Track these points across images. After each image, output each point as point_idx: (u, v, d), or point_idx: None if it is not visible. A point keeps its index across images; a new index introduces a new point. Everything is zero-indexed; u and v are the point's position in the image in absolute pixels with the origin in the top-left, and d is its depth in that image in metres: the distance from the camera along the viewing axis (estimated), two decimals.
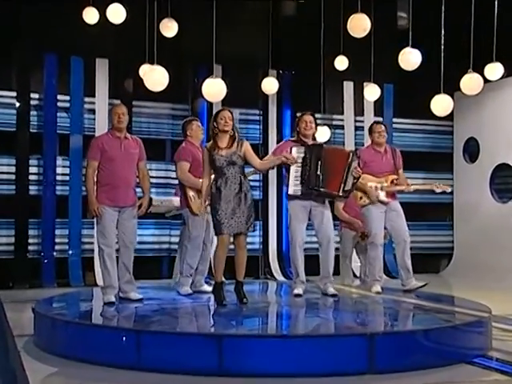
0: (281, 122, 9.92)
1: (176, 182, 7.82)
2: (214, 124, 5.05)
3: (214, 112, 8.54)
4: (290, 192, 5.48)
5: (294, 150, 5.47)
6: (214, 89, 6.57)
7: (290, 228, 5.60)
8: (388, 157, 6.04)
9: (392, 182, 5.95)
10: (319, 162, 5.37)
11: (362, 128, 10.21)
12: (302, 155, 5.41)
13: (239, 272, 5.12)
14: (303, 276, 5.64)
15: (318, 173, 5.37)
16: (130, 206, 5.27)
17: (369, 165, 5.93)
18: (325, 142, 5.69)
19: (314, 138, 5.66)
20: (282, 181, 9.70)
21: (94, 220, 5.33)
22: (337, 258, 6.27)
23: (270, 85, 8.51)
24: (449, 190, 6.18)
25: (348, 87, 10.22)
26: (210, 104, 8.88)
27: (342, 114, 10.22)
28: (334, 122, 10.18)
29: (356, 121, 10.30)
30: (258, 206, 9.71)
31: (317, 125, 5.68)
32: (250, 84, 9.20)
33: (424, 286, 6.02)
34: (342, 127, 10.19)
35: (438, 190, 6.07)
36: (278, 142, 9.77)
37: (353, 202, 6.18)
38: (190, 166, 5.68)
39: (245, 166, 5.17)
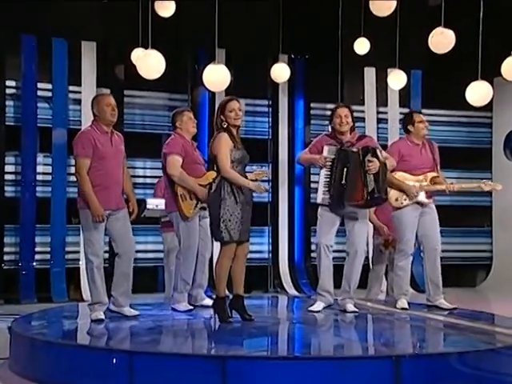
0: (292, 114, 9.94)
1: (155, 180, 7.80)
2: (222, 117, 5.02)
3: (216, 103, 8.57)
4: (319, 201, 5.59)
5: (326, 149, 5.54)
6: (217, 76, 6.59)
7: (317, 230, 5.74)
8: (427, 151, 5.96)
9: (432, 180, 5.88)
10: (345, 169, 5.41)
11: (386, 120, 10.21)
12: (333, 157, 5.48)
13: (240, 284, 5.10)
14: (325, 285, 5.66)
15: (343, 182, 5.40)
16: (121, 208, 5.28)
17: (406, 159, 5.86)
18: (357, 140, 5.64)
19: (353, 129, 5.66)
20: (293, 182, 9.73)
21: (80, 227, 5.32)
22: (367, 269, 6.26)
23: (280, 71, 8.51)
24: (499, 187, 5.94)
25: (369, 74, 10.21)
26: (212, 94, 8.89)
27: (363, 104, 10.22)
28: (354, 114, 10.09)
29: (378, 112, 10.31)
30: (266, 210, 9.72)
31: (354, 118, 5.66)
32: (257, 71, 9.22)
33: (453, 310, 5.90)
34: (363, 119, 10.17)
35: (487, 188, 5.93)
36: (288, 137, 9.90)
37: (384, 204, 6.12)
38: (183, 162, 5.61)
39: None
